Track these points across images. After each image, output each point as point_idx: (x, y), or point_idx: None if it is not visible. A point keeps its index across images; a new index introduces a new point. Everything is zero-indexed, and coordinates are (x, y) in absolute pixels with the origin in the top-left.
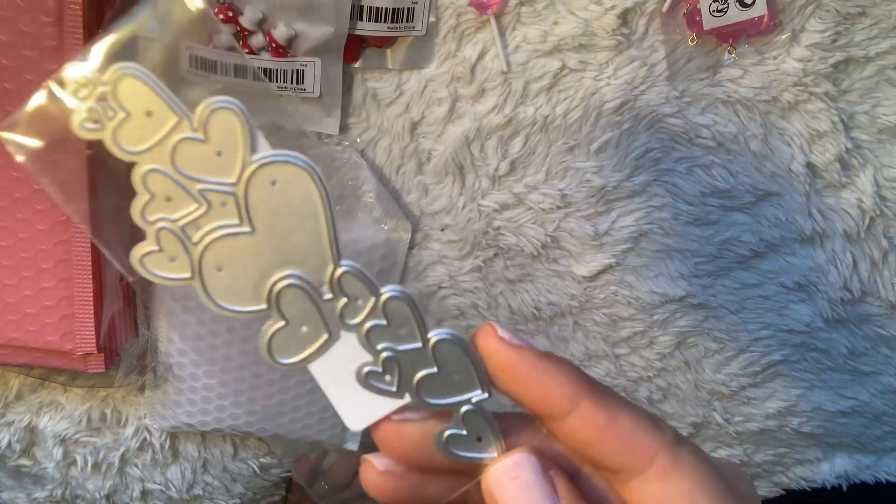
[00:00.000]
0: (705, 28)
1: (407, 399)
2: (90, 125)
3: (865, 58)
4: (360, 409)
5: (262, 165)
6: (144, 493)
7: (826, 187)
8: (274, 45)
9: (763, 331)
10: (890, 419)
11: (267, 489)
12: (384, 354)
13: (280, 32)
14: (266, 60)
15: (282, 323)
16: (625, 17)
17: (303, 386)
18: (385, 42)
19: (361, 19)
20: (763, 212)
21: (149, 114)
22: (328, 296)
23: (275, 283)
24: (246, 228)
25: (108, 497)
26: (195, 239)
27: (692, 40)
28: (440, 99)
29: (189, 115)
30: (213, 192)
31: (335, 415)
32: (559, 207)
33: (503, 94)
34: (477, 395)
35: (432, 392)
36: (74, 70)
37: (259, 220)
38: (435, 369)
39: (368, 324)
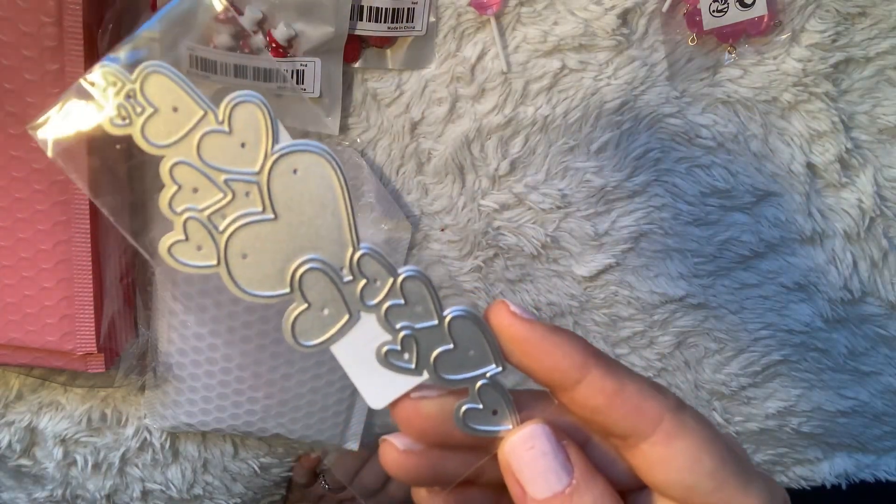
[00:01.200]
0: (705, 28)
1: (425, 376)
2: (119, 121)
3: (865, 58)
4: (380, 388)
5: (283, 155)
6: (145, 493)
7: (826, 187)
8: (274, 45)
9: (763, 331)
10: (890, 419)
11: (267, 489)
12: (402, 333)
13: (280, 32)
14: (266, 60)
15: (304, 306)
16: (625, 17)
17: (303, 386)
18: (385, 42)
19: (361, 19)
20: (763, 212)
21: (175, 109)
22: (348, 278)
23: (297, 268)
24: (269, 216)
25: (108, 497)
26: (221, 227)
27: (692, 40)
28: (440, 99)
29: (213, 108)
30: (238, 181)
31: (335, 414)
32: (559, 207)
33: (503, 94)
34: (491, 369)
35: (449, 368)
36: (104, 69)
37: (281, 208)
38: (451, 346)
39: (387, 304)
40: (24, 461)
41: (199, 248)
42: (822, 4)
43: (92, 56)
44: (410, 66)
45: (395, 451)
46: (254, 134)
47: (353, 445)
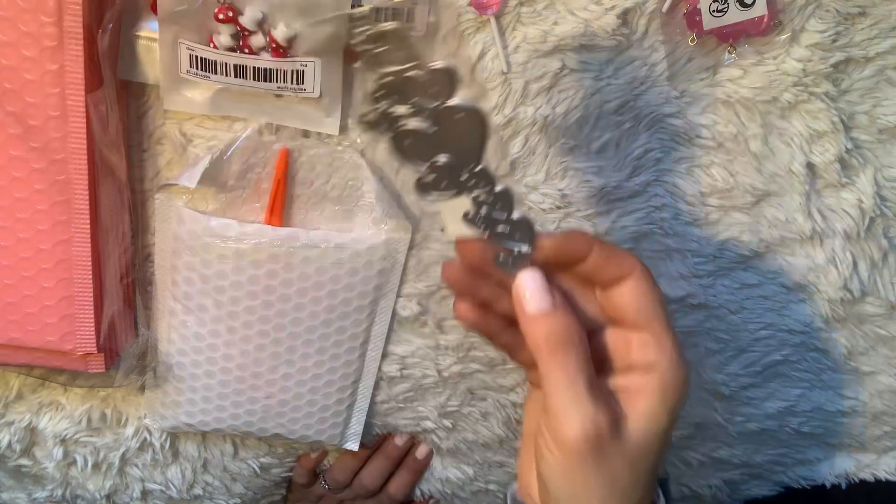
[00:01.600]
0: (705, 28)
1: (485, 236)
2: (365, 46)
3: (865, 58)
4: (457, 228)
5: (456, 104)
6: (145, 493)
7: (826, 187)
8: (274, 45)
9: (763, 331)
10: (890, 419)
11: (267, 489)
12: (482, 213)
13: (280, 32)
14: (266, 60)
15: (433, 176)
16: (625, 17)
17: (303, 386)
18: None
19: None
20: (763, 212)
21: (399, 50)
22: (465, 176)
23: (437, 158)
24: (433, 129)
25: (108, 497)
26: (398, 123)
27: (692, 40)
28: None
29: (425, 63)
30: (422, 107)
31: (335, 415)
32: (559, 207)
33: (503, 94)
34: (525, 248)
35: (501, 238)
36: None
37: (441, 126)
38: (507, 230)
39: (481, 197)
40: (24, 461)
41: (378, 124)
42: (822, 4)
43: (92, 56)
44: None
45: (455, 268)
46: (442, 86)
47: (353, 445)
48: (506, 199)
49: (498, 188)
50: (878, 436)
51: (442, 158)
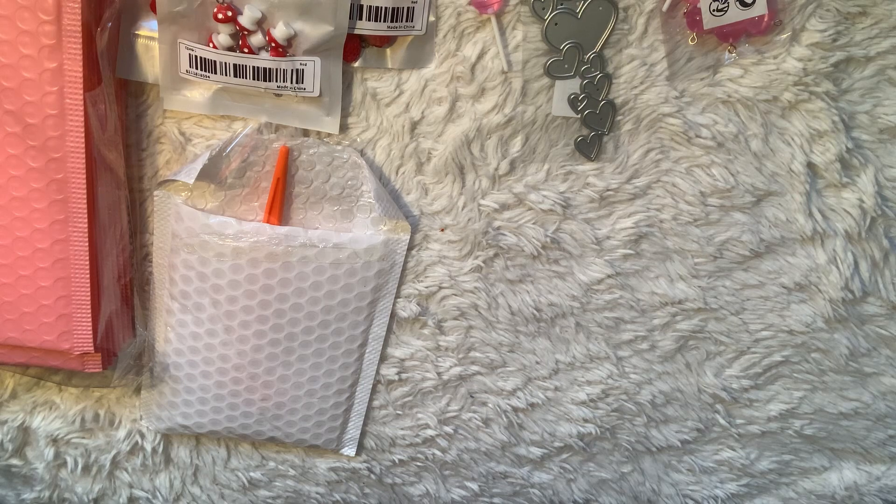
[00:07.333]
0: (705, 27)
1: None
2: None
3: (866, 57)
4: (560, 108)
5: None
6: (131, 501)
7: (827, 187)
8: (273, 44)
9: (764, 332)
10: (893, 422)
11: None
12: (584, 95)
13: (279, 32)
14: (266, 60)
15: (558, 58)
16: (625, 14)
17: (299, 388)
18: (385, 41)
19: (361, 18)
20: (763, 212)
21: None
22: (585, 67)
23: (567, 44)
24: (578, 16)
25: (94, 501)
26: (562, 7)
27: (692, 40)
28: (440, 98)
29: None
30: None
31: (332, 419)
32: (560, 207)
33: (503, 94)
34: (602, 132)
35: (588, 121)
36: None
37: (581, 18)
38: (596, 113)
39: (587, 80)
40: (14, 461)
41: (546, 5)
42: (823, 4)
43: (90, 54)
44: (410, 66)
45: None
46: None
47: (350, 451)
48: (606, 82)
49: (600, 74)
50: (882, 440)
51: (569, 45)
